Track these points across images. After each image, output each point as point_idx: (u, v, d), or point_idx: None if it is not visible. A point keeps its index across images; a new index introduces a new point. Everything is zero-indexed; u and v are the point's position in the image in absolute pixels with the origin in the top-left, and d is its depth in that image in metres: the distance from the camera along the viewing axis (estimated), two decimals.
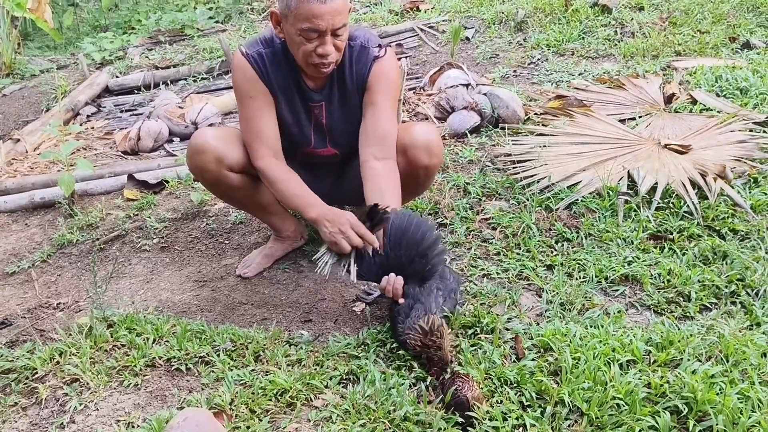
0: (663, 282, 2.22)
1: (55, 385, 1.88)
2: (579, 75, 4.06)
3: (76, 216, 3.13)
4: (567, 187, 2.76)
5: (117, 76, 5.27)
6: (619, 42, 4.41)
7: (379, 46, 2.23)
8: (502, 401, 1.74)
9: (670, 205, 2.60)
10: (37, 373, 1.94)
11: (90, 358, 1.96)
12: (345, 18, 2.03)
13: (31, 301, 2.55)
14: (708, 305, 2.12)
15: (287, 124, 2.29)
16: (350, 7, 2.09)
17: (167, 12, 6.91)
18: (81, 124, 4.44)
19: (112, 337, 2.07)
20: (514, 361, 1.89)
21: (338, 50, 2.09)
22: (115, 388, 1.87)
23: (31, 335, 2.26)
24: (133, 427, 1.72)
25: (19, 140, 4.16)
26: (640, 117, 3.36)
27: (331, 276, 2.46)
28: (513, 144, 3.22)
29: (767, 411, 1.64)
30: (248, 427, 1.69)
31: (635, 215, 2.57)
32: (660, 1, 4.87)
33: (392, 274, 2.00)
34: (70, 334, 2.08)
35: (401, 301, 1.96)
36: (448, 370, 1.81)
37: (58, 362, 1.96)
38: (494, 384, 1.80)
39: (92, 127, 4.45)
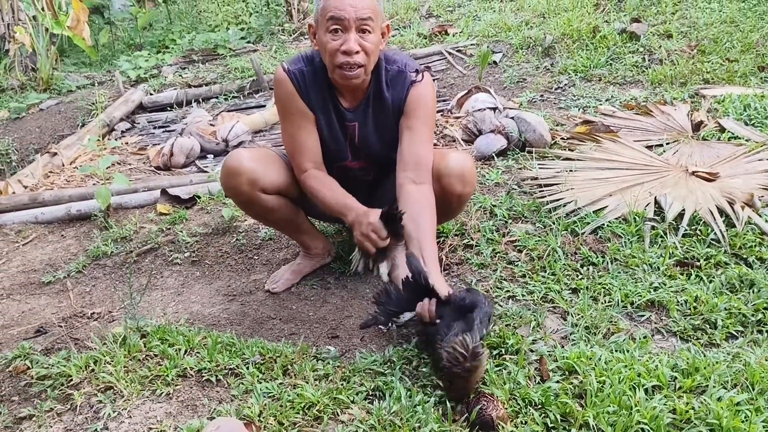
0: (689, 309, 2.22)
1: (89, 392, 1.94)
2: (606, 101, 4.09)
3: (111, 228, 3.22)
4: (593, 212, 2.78)
5: (151, 94, 5.42)
6: (647, 69, 4.43)
7: (417, 71, 2.27)
8: (526, 422, 1.75)
9: (697, 232, 2.60)
10: (72, 380, 1.99)
11: (124, 367, 2.02)
12: (371, 13, 2.07)
13: (66, 311, 2.63)
14: (734, 333, 2.11)
15: (325, 139, 2.34)
16: (385, 27, 2.16)
17: (200, 32, 7.09)
18: (116, 140, 4.56)
19: (145, 347, 2.12)
20: (538, 383, 1.91)
21: (366, 53, 2.11)
22: (147, 397, 1.92)
23: (66, 343, 2.32)
24: None
25: (56, 154, 4.29)
26: (667, 144, 3.37)
27: (358, 294, 2.52)
28: (539, 168, 3.25)
29: None
30: None
31: (662, 241, 2.58)
32: (688, 29, 4.88)
33: (426, 299, 2.01)
34: (105, 343, 2.14)
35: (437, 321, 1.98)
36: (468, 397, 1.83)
37: (92, 370, 2.02)
38: (519, 404, 1.81)
39: (126, 143, 4.57)
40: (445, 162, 2.27)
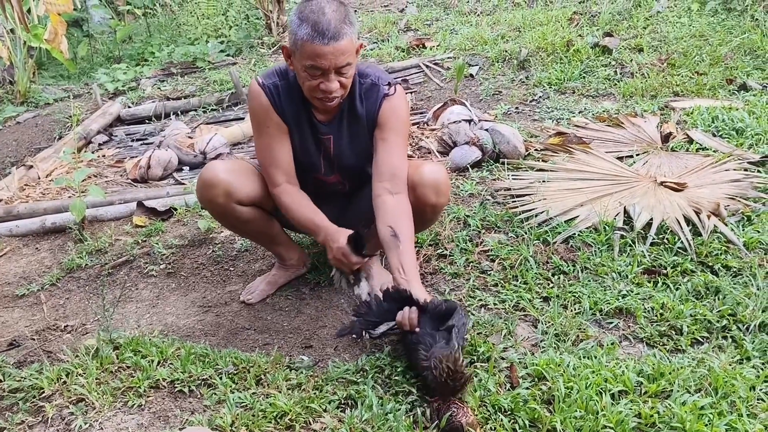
0: (656, 315, 2.27)
1: (61, 405, 1.94)
2: (579, 113, 4.16)
3: (85, 241, 3.21)
4: (565, 222, 2.83)
5: (129, 106, 5.41)
6: (618, 82, 4.52)
7: (389, 84, 2.31)
8: (495, 428, 1.78)
9: (665, 240, 2.66)
10: (44, 392, 2.00)
11: (96, 379, 2.02)
12: (350, 57, 2.10)
13: (39, 323, 2.62)
14: (699, 339, 2.16)
15: (298, 152, 2.37)
16: (358, 45, 2.17)
17: (180, 45, 7.09)
18: (93, 152, 4.55)
19: (117, 358, 2.13)
20: (508, 390, 1.94)
21: (343, 87, 2.17)
22: (119, 408, 1.92)
23: (39, 356, 2.32)
24: None
25: (32, 166, 4.27)
26: (637, 155, 3.44)
27: (333, 304, 2.54)
28: (513, 179, 3.31)
29: None
30: None
31: (630, 250, 2.63)
32: (659, 43, 4.99)
33: (407, 308, 2.04)
34: (77, 356, 2.14)
35: (417, 330, 2.00)
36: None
37: (64, 382, 2.02)
38: (489, 411, 1.85)
39: (103, 155, 4.56)
40: (419, 173, 2.30)
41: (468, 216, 2.98)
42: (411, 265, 2.14)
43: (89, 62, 7.53)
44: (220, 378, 2.03)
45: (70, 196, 3.80)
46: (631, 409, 1.80)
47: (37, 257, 3.21)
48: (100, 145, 4.81)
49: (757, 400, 1.86)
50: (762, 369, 1.97)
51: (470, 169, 3.51)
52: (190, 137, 4.44)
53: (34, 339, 2.49)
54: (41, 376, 2.05)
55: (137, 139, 4.89)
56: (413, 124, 4.24)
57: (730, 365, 1.99)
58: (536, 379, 1.97)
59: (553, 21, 5.69)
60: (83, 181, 3.70)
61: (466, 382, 1.82)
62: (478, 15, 6.54)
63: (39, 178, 4.16)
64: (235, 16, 7.49)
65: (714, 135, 3.58)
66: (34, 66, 6.27)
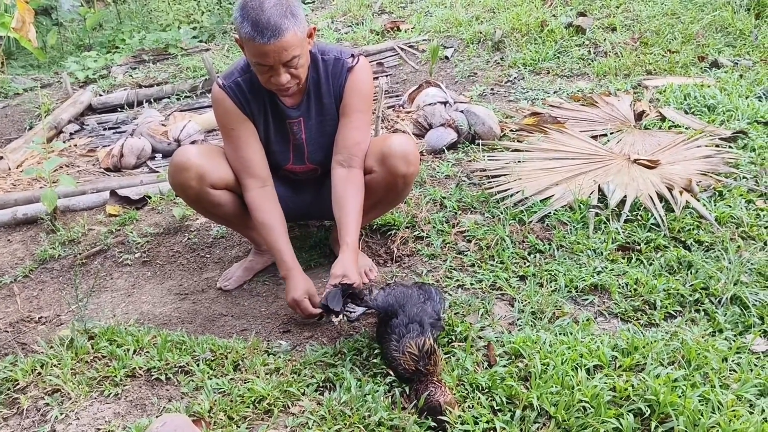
0: (630, 291, 2.29)
1: (36, 396, 1.91)
2: (554, 93, 4.17)
3: (58, 231, 3.16)
4: (540, 201, 2.85)
5: (100, 95, 5.32)
6: (592, 61, 4.53)
7: (352, 56, 2.30)
8: (473, 406, 1.80)
9: (638, 217, 2.69)
10: (18, 384, 1.97)
11: (71, 369, 1.99)
12: (295, 50, 2.06)
13: (12, 316, 2.58)
14: (673, 313, 2.19)
15: (266, 144, 2.37)
16: (310, 30, 2.13)
17: (151, 31, 6.98)
18: (64, 142, 4.48)
19: (93, 348, 2.10)
20: (486, 368, 1.95)
21: (295, 77, 2.15)
22: (95, 398, 1.91)
23: (13, 348, 2.28)
24: None
25: (1, 158, 4.19)
26: (611, 133, 3.46)
27: None
28: (488, 160, 3.31)
29: (726, 413, 1.71)
30: None
31: (605, 227, 2.65)
32: (632, 22, 5.00)
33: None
34: (52, 347, 2.12)
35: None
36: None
37: (39, 373, 1.99)
38: (466, 389, 1.86)
39: (75, 145, 4.49)
40: (387, 145, 2.31)
41: (444, 197, 2.98)
42: (350, 235, 2.22)
43: (59, 51, 7.40)
44: (198, 365, 2.02)
45: (41, 187, 3.74)
46: (606, 383, 1.82)
47: (9, 249, 3.16)
48: (71, 134, 4.74)
49: (730, 371, 1.89)
50: (734, 341, 2.01)
51: (446, 150, 3.51)
52: (163, 125, 4.38)
53: (7, 331, 2.45)
54: (15, 368, 2.02)
55: (109, 128, 4.83)
56: (389, 107, 4.23)
57: (702, 338, 2.02)
58: (513, 357, 1.99)
59: (527, 1, 5.67)
60: (54, 171, 3.64)
61: (435, 363, 1.82)
62: None
63: (9, 169, 4.09)
64: (207, 2, 7.39)
65: (686, 112, 3.61)
66: (2, 56, 6.15)
